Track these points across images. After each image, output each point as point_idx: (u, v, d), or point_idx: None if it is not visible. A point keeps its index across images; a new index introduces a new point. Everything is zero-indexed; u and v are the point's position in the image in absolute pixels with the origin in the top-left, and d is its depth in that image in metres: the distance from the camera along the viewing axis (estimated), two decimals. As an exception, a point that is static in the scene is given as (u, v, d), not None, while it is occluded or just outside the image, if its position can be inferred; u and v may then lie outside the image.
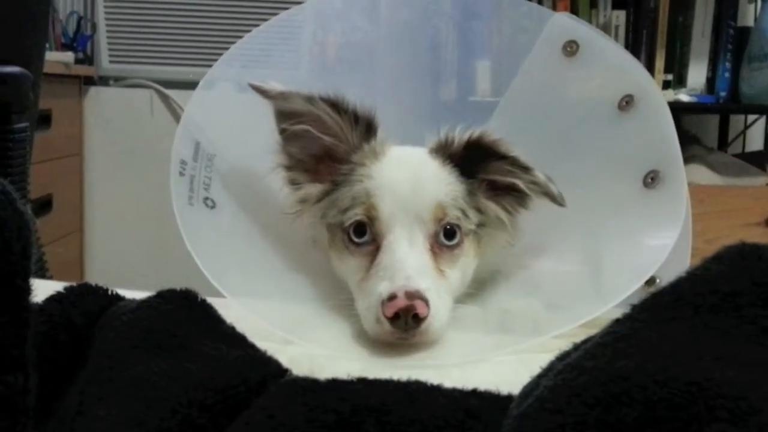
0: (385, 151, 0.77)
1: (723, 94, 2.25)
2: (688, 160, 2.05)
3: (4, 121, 1.20)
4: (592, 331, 0.43)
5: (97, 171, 2.59)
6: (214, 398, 0.46)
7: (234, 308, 0.61)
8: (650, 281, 0.69)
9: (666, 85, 2.25)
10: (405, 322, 0.65)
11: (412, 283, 0.66)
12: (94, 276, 0.82)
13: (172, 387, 0.47)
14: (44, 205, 2.21)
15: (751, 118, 2.50)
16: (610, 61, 0.83)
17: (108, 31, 2.59)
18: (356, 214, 0.73)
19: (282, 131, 0.78)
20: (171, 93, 2.53)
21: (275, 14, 0.86)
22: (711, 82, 2.26)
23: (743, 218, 2.03)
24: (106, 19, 2.59)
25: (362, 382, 0.48)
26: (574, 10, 2.25)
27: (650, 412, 0.34)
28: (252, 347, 0.55)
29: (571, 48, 0.82)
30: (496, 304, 0.77)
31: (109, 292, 0.61)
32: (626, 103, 0.79)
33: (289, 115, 0.77)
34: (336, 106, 0.76)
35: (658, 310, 0.41)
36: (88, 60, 2.62)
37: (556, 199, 0.75)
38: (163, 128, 2.47)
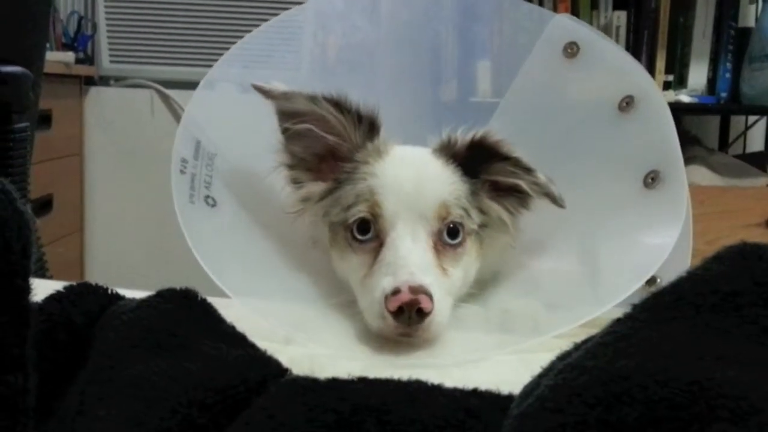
0: (389, 150, 0.77)
1: (724, 94, 2.25)
2: (688, 161, 2.05)
3: (5, 120, 1.20)
4: (593, 331, 0.43)
5: (98, 171, 2.59)
6: (214, 398, 0.46)
7: (234, 308, 0.61)
8: (651, 281, 0.69)
9: (667, 85, 2.25)
10: (409, 316, 0.65)
11: (416, 278, 0.67)
12: (95, 276, 0.82)
13: (172, 387, 0.46)
14: (44, 205, 2.21)
15: (751, 118, 2.50)
16: (610, 62, 0.83)
17: (108, 31, 2.60)
18: (360, 211, 0.73)
19: (284, 131, 0.78)
20: (171, 93, 2.54)
21: (275, 14, 0.86)
22: (712, 82, 2.26)
23: (744, 219, 2.03)
24: (107, 19, 2.59)
25: (362, 382, 0.48)
26: (575, 11, 2.25)
27: (651, 411, 0.34)
28: (252, 347, 0.55)
29: (571, 49, 0.82)
30: (496, 304, 0.77)
31: (109, 292, 0.61)
32: (626, 104, 0.79)
33: (292, 115, 0.77)
34: (339, 105, 0.76)
35: (659, 310, 0.41)
36: (89, 60, 2.62)
37: (557, 201, 0.75)
38: (164, 128, 2.47)
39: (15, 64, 1.21)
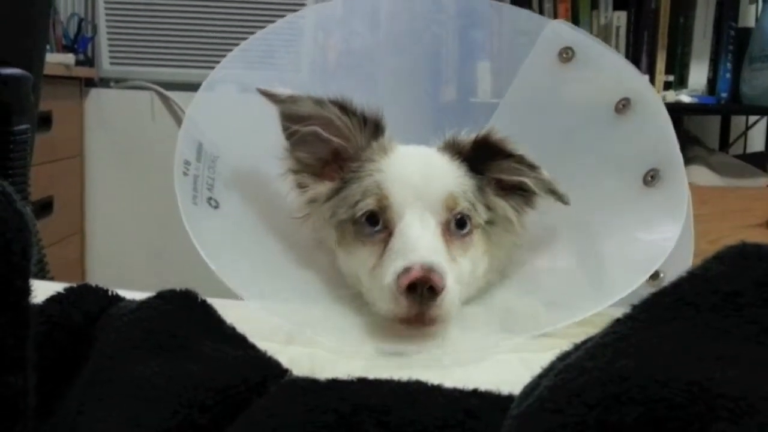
0: (393, 148, 0.78)
1: (724, 95, 2.25)
2: (689, 161, 2.05)
3: (5, 122, 1.20)
4: (593, 331, 0.43)
5: (98, 173, 2.59)
6: (215, 398, 0.46)
7: (234, 309, 0.61)
8: (654, 276, 0.69)
9: (667, 86, 2.25)
10: (421, 294, 0.65)
11: (427, 258, 0.67)
12: (95, 277, 0.82)
13: (173, 387, 0.47)
14: (45, 207, 2.21)
15: (752, 119, 2.50)
16: (605, 66, 0.84)
17: (109, 33, 2.59)
18: (368, 204, 0.73)
19: (289, 135, 0.78)
20: (172, 95, 2.53)
21: (277, 17, 0.86)
22: (712, 83, 2.26)
23: (744, 219, 2.03)
24: (107, 20, 2.59)
25: (362, 382, 0.48)
26: (575, 12, 2.25)
27: (651, 412, 0.34)
28: (252, 347, 0.55)
29: (566, 54, 0.84)
30: (498, 303, 0.77)
31: (109, 293, 0.61)
32: (623, 106, 0.80)
33: (298, 118, 0.78)
34: (344, 108, 0.77)
35: (659, 310, 0.41)
36: (89, 62, 2.62)
37: (562, 198, 0.75)
38: (164, 130, 2.47)
39: (15, 65, 1.21)
